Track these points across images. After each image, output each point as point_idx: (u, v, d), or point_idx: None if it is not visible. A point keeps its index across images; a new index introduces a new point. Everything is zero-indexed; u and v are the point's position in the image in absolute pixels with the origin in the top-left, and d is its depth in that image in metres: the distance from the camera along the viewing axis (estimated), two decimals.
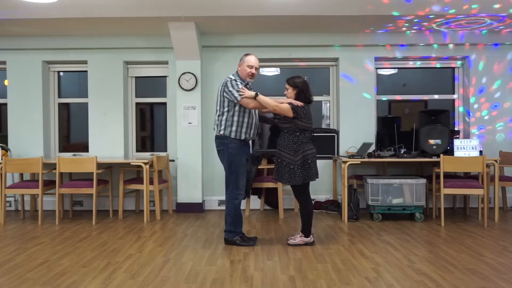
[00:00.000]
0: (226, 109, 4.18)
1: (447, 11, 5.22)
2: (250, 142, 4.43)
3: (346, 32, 6.17)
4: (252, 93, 4.13)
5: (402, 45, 6.30)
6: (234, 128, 4.18)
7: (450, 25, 5.77)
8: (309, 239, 4.28)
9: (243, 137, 4.22)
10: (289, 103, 4.11)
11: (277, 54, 6.35)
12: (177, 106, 6.16)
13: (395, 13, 5.30)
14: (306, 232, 4.27)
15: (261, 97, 4.12)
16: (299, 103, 4.13)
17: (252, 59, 4.26)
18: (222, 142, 4.23)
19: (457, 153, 5.30)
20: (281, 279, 3.30)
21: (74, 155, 6.45)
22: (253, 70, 4.26)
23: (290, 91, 4.21)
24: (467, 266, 3.58)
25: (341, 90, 6.35)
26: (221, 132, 4.21)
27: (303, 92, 4.17)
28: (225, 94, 4.17)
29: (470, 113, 6.35)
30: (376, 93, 6.48)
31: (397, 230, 4.91)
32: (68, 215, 5.98)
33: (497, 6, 5.05)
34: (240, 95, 4.11)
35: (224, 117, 4.19)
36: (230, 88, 4.13)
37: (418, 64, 6.56)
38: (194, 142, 6.12)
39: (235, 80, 4.18)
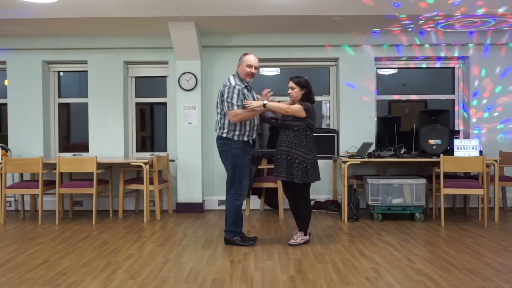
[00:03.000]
0: None
1: (448, 12, 5.22)
2: (251, 142, 4.42)
3: (346, 32, 6.17)
4: (261, 103, 4.08)
5: (402, 45, 6.29)
6: (237, 132, 4.16)
7: (450, 25, 5.77)
8: (307, 237, 4.35)
9: (246, 138, 4.21)
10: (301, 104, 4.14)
11: (277, 54, 6.35)
12: (177, 106, 6.15)
13: (395, 13, 5.30)
14: (305, 230, 4.31)
15: (270, 104, 4.10)
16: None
17: (251, 58, 4.21)
18: (225, 143, 4.21)
19: (457, 153, 5.30)
20: (281, 279, 3.30)
21: (74, 155, 6.46)
22: (253, 70, 4.21)
23: (298, 91, 4.19)
24: (467, 266, 3.58)
25: (341, 90, 6.35)
26: (224, 134, 4.19)
27: (310, 93, 4.23)
28: (222, 99, 4.14)
29: (470, 113, 6.35)
30: (376, 93, 6.48)
31: (397, 230, 4.91)
32: (68, 215, 5.98)
33: (501, 10, 5.06)
34: (247, 106, 4.03)
35: (227, 120, 4.17)
36: (225, 96, 4.08)
37: (418, 64, 6.56)
38: (194, 142, 6.12)
39: (234, 87, 4.10)
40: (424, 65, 6.57)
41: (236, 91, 4.09)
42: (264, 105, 4.08)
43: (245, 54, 4.26)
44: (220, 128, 4.22)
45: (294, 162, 4.14)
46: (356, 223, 5.32)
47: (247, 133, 4.20)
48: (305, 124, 4.14)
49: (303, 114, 4.10)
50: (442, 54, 6.34)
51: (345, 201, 5.41)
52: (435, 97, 6.62)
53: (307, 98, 4.19)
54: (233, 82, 4.15)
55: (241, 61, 4.23)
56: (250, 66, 4.20)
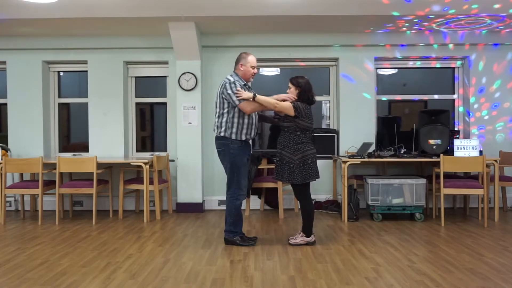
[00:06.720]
0: (225, 110, 4.17)
1: (447, 11, 5.22)
2: (250, 141, 4.43)
3: (346, 32, 6.17)
4: (250, 94, 4.11)
5: (402, 45, 6.30)
6: (234, 130, 4.17)
7: (450, 25, 5.77)
8: (310, 238, 4.28)
9: (243, 138, 4.21)
10: (291, 102, 4.13)
11: (277, 54, 6.35)
12: (177, 106, 6.15)
13: (395, 13, 5.30)
14: (307, 231, 4.28)
15: (259, 98, 4.12)
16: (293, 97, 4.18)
17: (255, 59, 4.30)
18: (222, 143, 4.22)
19: (457, 153, 5.30)
20: (281, 279, 3.30)
21: (74, 155, 6.46)
22: (256, 70, 4.31)
23: (293, 90, 4.22)
24: (467, 266, 3.58)
25: (341, 90, 6.35)
26: (222, 134, 4.20)
27: (305, 93, 4.20)
28: (223, 96, 4.16)
29: (470, 113, 6.35)
30: (376, 93, 6.48)
31: (397, 230, 4.91)
32: (68, 215, 5.98)
33: (497, 6, 5.05)
34: (238, 97, 4.09)
35: (225, 119, 4.18)
36: (229, 91, 4.11)
37: (418, 64, 6.56)
38: (194, 142, 6.12)
39: (234, 82, 4.15)
40: (424, 65, 6.56)
41: (238, 84, 4.15)
42: (254, 97, 4.10)
43: (247, 54, 4.28)
44: (217, 127, 4.23)
45: (282, 162, 4.19)
46: (356, 223, 5.32)
47: (244, 131, 4.20)
48: (294, 124, 4.14)
49: (291, 112, 4.10)
50: (442, 54, 6.34)
51: (345, 201, 5.41)
52: (435, 97, 6.62)
53: (302, 98, 4.19)
54: (232, 79, 4.19)
55: (245, 62, 4.25)
56: (253, 67, 4.28)
